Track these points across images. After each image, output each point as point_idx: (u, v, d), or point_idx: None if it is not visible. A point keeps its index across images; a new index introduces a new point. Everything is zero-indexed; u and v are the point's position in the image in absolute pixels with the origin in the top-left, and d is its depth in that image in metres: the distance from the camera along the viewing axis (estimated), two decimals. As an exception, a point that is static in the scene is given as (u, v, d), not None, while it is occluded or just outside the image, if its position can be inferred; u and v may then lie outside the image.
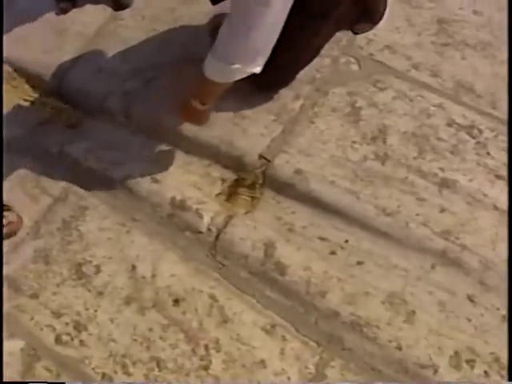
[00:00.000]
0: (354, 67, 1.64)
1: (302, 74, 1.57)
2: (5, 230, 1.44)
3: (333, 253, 1.38)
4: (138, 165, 1.58)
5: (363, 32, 1.68)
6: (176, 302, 1.28)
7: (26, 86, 1.92)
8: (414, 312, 1.30)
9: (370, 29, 1.67)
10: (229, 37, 1.16)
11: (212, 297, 1.29)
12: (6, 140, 1.67)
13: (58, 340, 1.26)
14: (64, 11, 1.95)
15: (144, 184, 1.52)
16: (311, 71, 1.60)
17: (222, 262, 1.39)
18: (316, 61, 1.58)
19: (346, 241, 1.40)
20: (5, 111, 1.78)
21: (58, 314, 1.29)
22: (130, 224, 1.42)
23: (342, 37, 1.67)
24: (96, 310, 1.28)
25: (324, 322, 1.29)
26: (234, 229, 1.41)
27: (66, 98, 1.86)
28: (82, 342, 1.25)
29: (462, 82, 1.56)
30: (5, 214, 1.44)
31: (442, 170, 1.43)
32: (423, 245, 1.37)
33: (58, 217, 1.44)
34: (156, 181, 1.52)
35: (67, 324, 1.27)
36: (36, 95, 1.90)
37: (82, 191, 1.50)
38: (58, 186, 1.54)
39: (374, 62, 1.64)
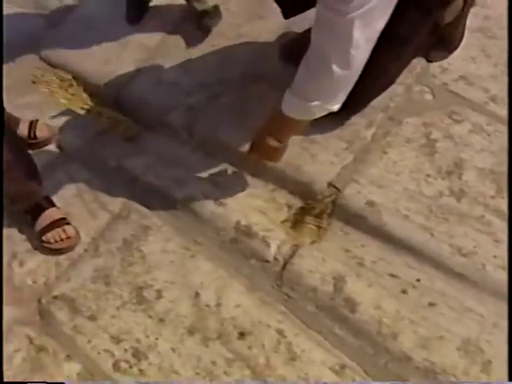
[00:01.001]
0: (428, 97, 1.58)
1: (375, 102, 1.52)
2: (63, 245, 1.39)
3: (404, 292, 1.31)
4: (199, 185, 1.53)
5: (438, 60, 1.63)
6: (242, 335, 1.22)
7: (84, 95, 1.90)
8: (490, 362, 1.21)
9: (445, 57, 1.63)
10: (308, 75, 1.11)
11: (280, 332, 1.23)
12: (65, 149, 1.64)
13: (116, 367, 1.21)
14: (132, 22, 1.92)
15: (207, 206, 1.47)
16: (384, 99, 1.54)
17: (289, 293, 1.33)
18: (390, 88, 1.52)
19: (418, 280, 1.33)
20: (64, 119, 1.75)
21: (117, 340, 1.23)
22: (195, 248, 1.36)
23: (416, 64, 1.61)
24: (157, 338, 1.23)
25: (395, 365, 1.22)
26: (302, 260, 1.35)
27: (125, 109, 1.84)
28: (141, 372, 1.19)
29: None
30: (64, 227, 1.39)
31: (521, 211, 1.35)
32: (500, 289, 1.29)
33: (119, 235, 1.40)
34: (220, 203, 1.47)
35: (126, 350, 1.22)
36: (92, 104, 1.87)
37: (143, 209, 1.46)
38: (117, 202, 1.50)
39: (448, 92, 1.59)
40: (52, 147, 1.69)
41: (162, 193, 1.53)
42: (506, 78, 1.58)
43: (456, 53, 1.62)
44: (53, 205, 1.43)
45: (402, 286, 1.32)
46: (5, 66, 1.71)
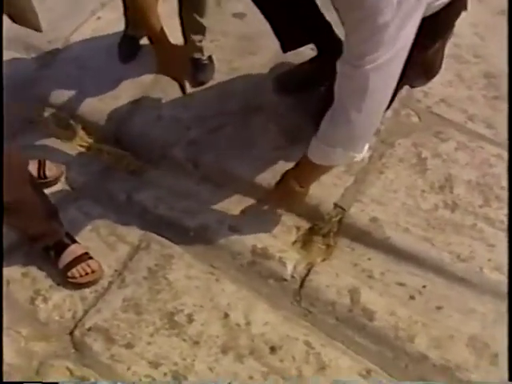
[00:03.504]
0: (415, 119, 1.74)
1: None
2: (89, 279, 1.44)
3: (412, 298, 1.44)
4: (211, 213, 1.61)
5: (419, 86, 1.78)
6: (272, 349, 1.31)
7: (82, 133, 1.94)
8: (496, 355, 1.34)
9: (426, 83, 1.77)
10: (330, 123, 1.22)
11: (307, 344, 1.32)
12: (75, 186, 1.69)
13: (157, 391, 1.26)
14: (125, 60, 1.99)
15: (221, 232, 1.55)
16: (375, 123, 1.67)
17: (308, 308, 1.42)
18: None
19: (424, 286, 1.45)
20: (67, 159, 1.80)
21: (155, 364, 1.29)
22: (218, 272, 1.44)
23: (402, 90, 1.76)
24: (193, 360, 1.29)
25: (414, 366, 1.33)
26: (318, 276, 1.46)
27: (125, 145, 1.89)
28: (182, 393, 1.25)
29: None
30: (88, 262, 1.45)
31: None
32: (497, 289, 1.43)
33: (143, 265, 1.46)
34: (233, 229, 1.56)
35: (166, 374, 1.28)
36: (92, 141, 1.92)
37: (162, 239, 1.53)
38: (134, 234, 1.56)
39: (432, 114, 1.75)
40: (60, 186, 1.73)
41: (175, 223, 1.60)
42: (481, 99, 1.76)
43: (435, 79, 1.78)
44: (74, 241, 1.48)
45: (409, 293, 1.44)
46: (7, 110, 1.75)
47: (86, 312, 1.41)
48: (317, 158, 1.31)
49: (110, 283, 1.45)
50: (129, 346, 1.32)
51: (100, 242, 1.55)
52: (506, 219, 1.50)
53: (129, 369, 1.28)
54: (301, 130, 1.66)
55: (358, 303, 1.40)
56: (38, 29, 1.64)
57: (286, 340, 1.33)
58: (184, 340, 1.33)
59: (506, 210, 1.52)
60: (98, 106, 1.94)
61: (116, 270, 1.48)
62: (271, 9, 1.50)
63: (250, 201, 1.64)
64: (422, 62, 1.56)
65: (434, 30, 1.32)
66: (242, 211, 1.60)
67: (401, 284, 1.45)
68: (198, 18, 1.75)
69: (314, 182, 1.45)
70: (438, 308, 1.42)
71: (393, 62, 1.06)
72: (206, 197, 1.67)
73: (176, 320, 1.36)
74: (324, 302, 1.42)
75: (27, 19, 1.58)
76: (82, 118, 1.96)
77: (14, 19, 1.56)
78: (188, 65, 1.61)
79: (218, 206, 1.63)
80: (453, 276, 1.46)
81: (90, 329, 1.34)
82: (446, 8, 1.23)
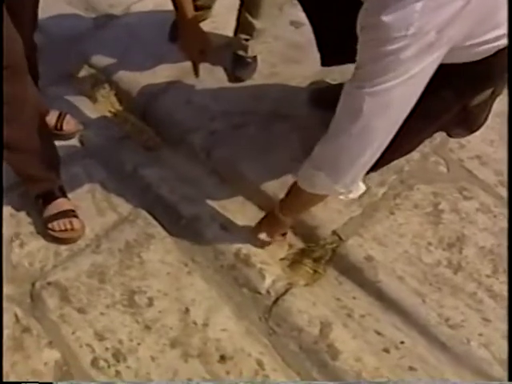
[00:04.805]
0: (443, 169, 1.64)
1: (392, 162, 1.57)
2: (67, 235, 1.42)
3: (386, 350, 1.33)
4: (208, 206, 1.56)
5: (458, 137, 1.68)
6: (222, 358, 1.23)
7: (114, 99, 1.95)
8: None
9: (465, 136, 1.68)
10: (321, 143, 1.15)
11: (260, 363, 1.24)
12: (88, 146, 1.68)
13: (94, 363, 1.21)
14: (173, 40, 2.00)
15: (212, 228, 1.50)
16: (401, 162, 1.60)
17: (274, 328, 1.34)
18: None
19: (402, 342, 1.34)
20: (90, 117, 1.81)
21: (100, 336, 1.24)
22: (192, 265, 1.38)
23: (437, 136, 1.67)
24: (139, 344, 1.24)
25: (366, 421, 1.22)
26: (294, 299, 1.38)
27: (150, 120, 1.89)
28: (117, 373, 1.20)
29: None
30: (71, 219, 1.42)
31: (513, 295, 1.38)
32: (481, 368, 1.30)
33: (122, 237, 1.42)
34: (225, 228, 1.50)
35: (107, 349, 1.23)
36: (120, 109, 1.92)
37: (150, 218, 1.48)
38: (126, 206, 1.53)
39: (462, 168, 1.65)
40: (74, 141, 1.73)
41: (171, 207, 1.56)
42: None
43: (478, 132, 1.68)
44: (65, 195, 1.47)
45: (385, 345, 1.34)
46: (45, 57, 1.78)
47: (54, 267, 1.38)
48: (301, 181, 1.22)
49: (87, 246, 1.42)
50: (81, 310, 1.28)
51: (92, 204, 1.53)
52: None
53: (73, 333, 1.24)
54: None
55: (326, 338, 1.31)
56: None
57: (240, 353, 1.25)
58: (137, 321, 1.27)
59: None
60: (135, 78, 1.96)
61: (96, 236, 1.45)
62: (320, 18, 1.45)
63: (251, 204, 1.58)
64: (463, 112, 1.47)
65: (475, 79, 1.23)
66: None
67: (379, 333, 1.35)
68: (250, 18, 1.74)
69: (296, 213, 1.37)
70: (411, 368, 1.30)
71: (393, 92, 0.96)
72: (209, 189, 1.63)
73: (136, 300, 1.31)
74: (291, 325, 1.33)
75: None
76: (117, 85, 1.98)
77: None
78: (209, 50, 1.59)
79: (217, 202, 1.59)
80: (436, 340, 1.34)
81: (50, 283, 1.31)
82: (491, 57, 1.14)
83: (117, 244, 1.41)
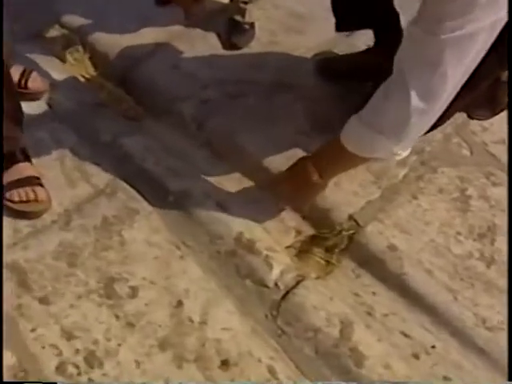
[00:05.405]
0: (466, 152, 1.47)
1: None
2: (29, 208, 1.14)
3: (416, 356, 1.12)
4: (200, 182, 1.32)
5: (480, 119, 1.52)
6: (225, 363, 0.98)
7: (88, 63, 1.68)
8: None
9: (488, 118, 1.52)
10: (381, 99, 0.97)
11: (271, 371, 1.00)
12: (57, 109, 1.41)
13: (59, 369, 0.94)
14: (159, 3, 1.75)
15: (205, 206, 1.25)
16: (422, 141, 1.40)
17: (284, 328, 1.10)
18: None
19: (433, 346, 1.14)
20: (60, 79, 1.54)
21: (69, 335, 0.97)
22: (185, 249, 1.13)
23: (458, 116, 1.49)
24: (120, 344, 0.97)
25: None
26: (307, 292, 1.15)
27: (130, 88, 1.66)
28: (90, 382, 0.93)
29: None
30: (35, 188, 1.14)
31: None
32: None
33: (99, 212, 1.16)
34: (221, 207, 1.26)
35: (78, 352, 0.95)
36: (95, 75, 1.66)
37: (133, 192, 1.22)
38: (103, 176, 1.27)
39: (487, 153, 1.47)
40: (41, 103, 1.45)
41: (156, 180, 1.31)
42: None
43: (498, 116, 1.52)
44: (28, 160, 1.19)
45: (413, 349, 1.13)
46: (13, 14, 1.50)
47: (13, 246, 1.09)
48: (351, 143, 1.04)
49: (53, 222, 1.14)
50: (45, 301, 1.00)
51: (60, 173, 1.26)
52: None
53: (33, 330, 0.96)
54: (332, 120, 1.38)
55: (348, 340, 1.09)
56: None
57: (246, 357, 1.00)
58: (117, 316, 1.00)
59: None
60: (114, 40, 1.72)
61: (66, 210, 1.17)
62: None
63: (251, 184, 1.34)
64: (491, 88, 1.31)
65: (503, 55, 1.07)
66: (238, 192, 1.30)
67: (406, 335, 1.14)
68: None
69: (337, 175, 1.17)
70: (445, 379, 1.10)
71: (477, 39, 0.83)
72: (202, 165, 1.39)
73: (115, 289, 1.04)
74: (306, 325, 1.10)
75: None
76: (93, 47, 1.74)
77: None
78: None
79: (211, 179, 1.34)
80: (472, 343, 1.14)
81: (6, 265, 1.02)
82: None
83: (92, 220, 1.14)
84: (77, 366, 0.94)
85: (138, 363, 0.96)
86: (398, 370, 1.08)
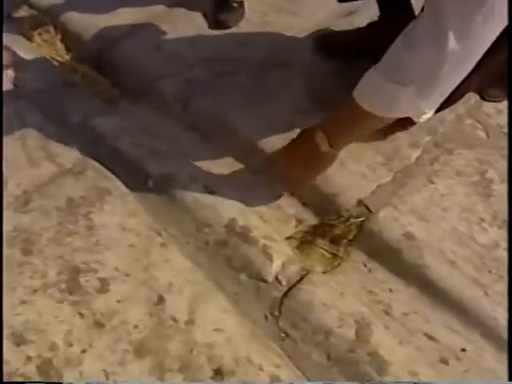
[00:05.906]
0: (481, 134, 1.32)
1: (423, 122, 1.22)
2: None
3: (444, 361, 0.94)
4: (184, 164, 1.15)
5: (493, 101, 1.38)
6: (218, 373, 0.78)
7: (59, 45, 1.52)
8: None
9: (501, 100, 1.39)
10: (408, 44, 0.82)
11: (276, 380, 0.79)
12: (22, 88, 1.23)
13: (7, 380, 0.72)
14: None
15: (191, 190, 1.07)
16: (434, 121, 1.25)
17: (288, 331, 0.91)
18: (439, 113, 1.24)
19: (463, 350, 0.96)
20: (27, 58, 1.38)
21: (20, 338, 0.76)
22: (170, 238, 0.93)
23: (470, 96, 1.35)
24: (85, 350, 0.76)
25: None
26: (314, 288, 0.96)
27: (105, 70, 1.50)
28: (46, 399, 0.71)
29: None
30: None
31: None
32: None
33: (63, 192, 0.96)
34: (210, 191, 1.07)
35: (30, 360, 0.74)
36: (68, 58, 1.49)
37: (106, 171, 1.04)
38: (70, 156, 1.08)
39: (503, 135, 1.33)
40: (4, 80, 1.27)
41: (133, 163, 1.13)
42: None
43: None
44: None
45: (440, 353, 0.95)
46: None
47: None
48: (368, 100, 0.89)
49: (9, 204, 0.94)
50: (-9, 296, 0.79)
51: (21, 153, 1.07)
52: None
53: (-26, 332, 0.75)
54: (332, 97, 1.23)
55: (366, 343, 0.90)
56: None
57: (245, 365, 0.81)
58: (81, 315, 0.80)
59: None
60: (89, 20, 1.58)
61: (25, 192, 0.97)
62: None
63: (243, 168, 1.17)
64: (498, 67, 1.18)
65: None
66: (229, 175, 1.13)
67: (431, 338, 0.96)
68: None
69: (350, 143, 1.00)
70: (480, 387, 0.91)
71: None
72: (188, 147, 1.22)
73: (80, 281, 0.84)
74: (314, 326, 0.92)
75: None
76: (65, 28, 1.59)
77: None
78: None
79: (199, 163, 1.16)
80: (506, 345, 0.96)
81: None
82: None
83: (54, 201, 0.94)
84: (27, 377, 0.72)
85: (107, 374, 0.75)
86: (425, 378, 0.89)
